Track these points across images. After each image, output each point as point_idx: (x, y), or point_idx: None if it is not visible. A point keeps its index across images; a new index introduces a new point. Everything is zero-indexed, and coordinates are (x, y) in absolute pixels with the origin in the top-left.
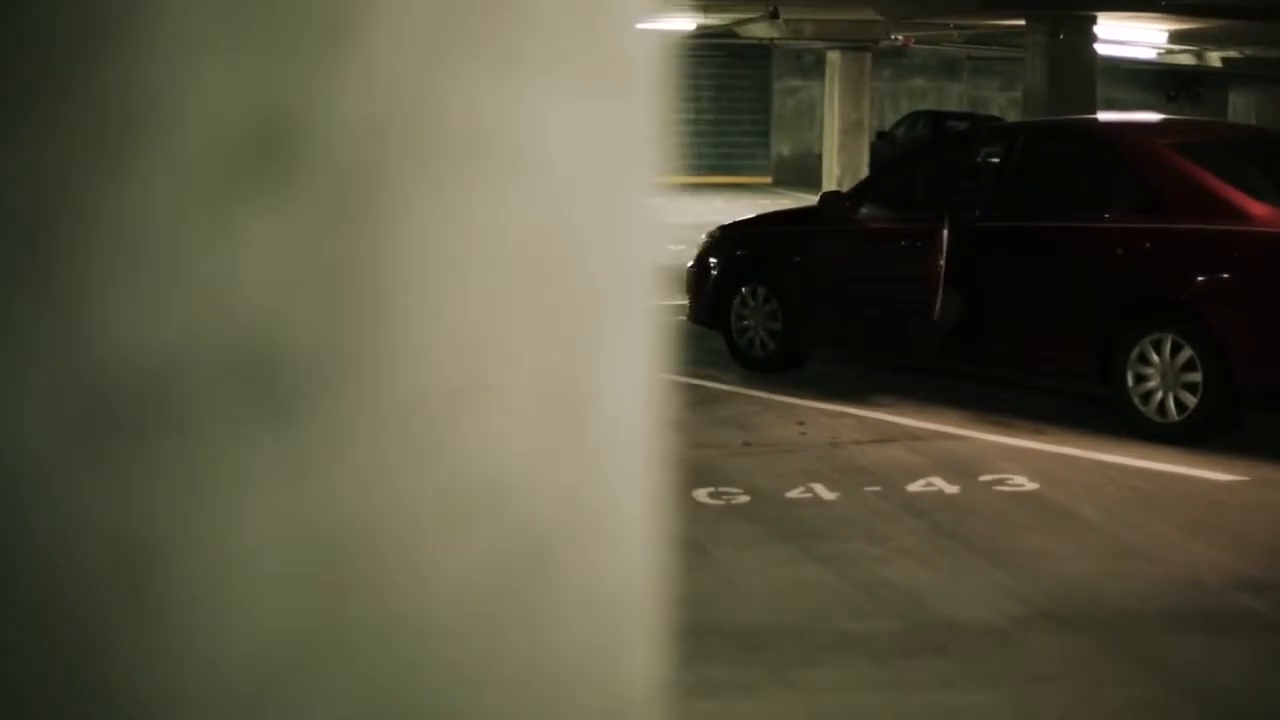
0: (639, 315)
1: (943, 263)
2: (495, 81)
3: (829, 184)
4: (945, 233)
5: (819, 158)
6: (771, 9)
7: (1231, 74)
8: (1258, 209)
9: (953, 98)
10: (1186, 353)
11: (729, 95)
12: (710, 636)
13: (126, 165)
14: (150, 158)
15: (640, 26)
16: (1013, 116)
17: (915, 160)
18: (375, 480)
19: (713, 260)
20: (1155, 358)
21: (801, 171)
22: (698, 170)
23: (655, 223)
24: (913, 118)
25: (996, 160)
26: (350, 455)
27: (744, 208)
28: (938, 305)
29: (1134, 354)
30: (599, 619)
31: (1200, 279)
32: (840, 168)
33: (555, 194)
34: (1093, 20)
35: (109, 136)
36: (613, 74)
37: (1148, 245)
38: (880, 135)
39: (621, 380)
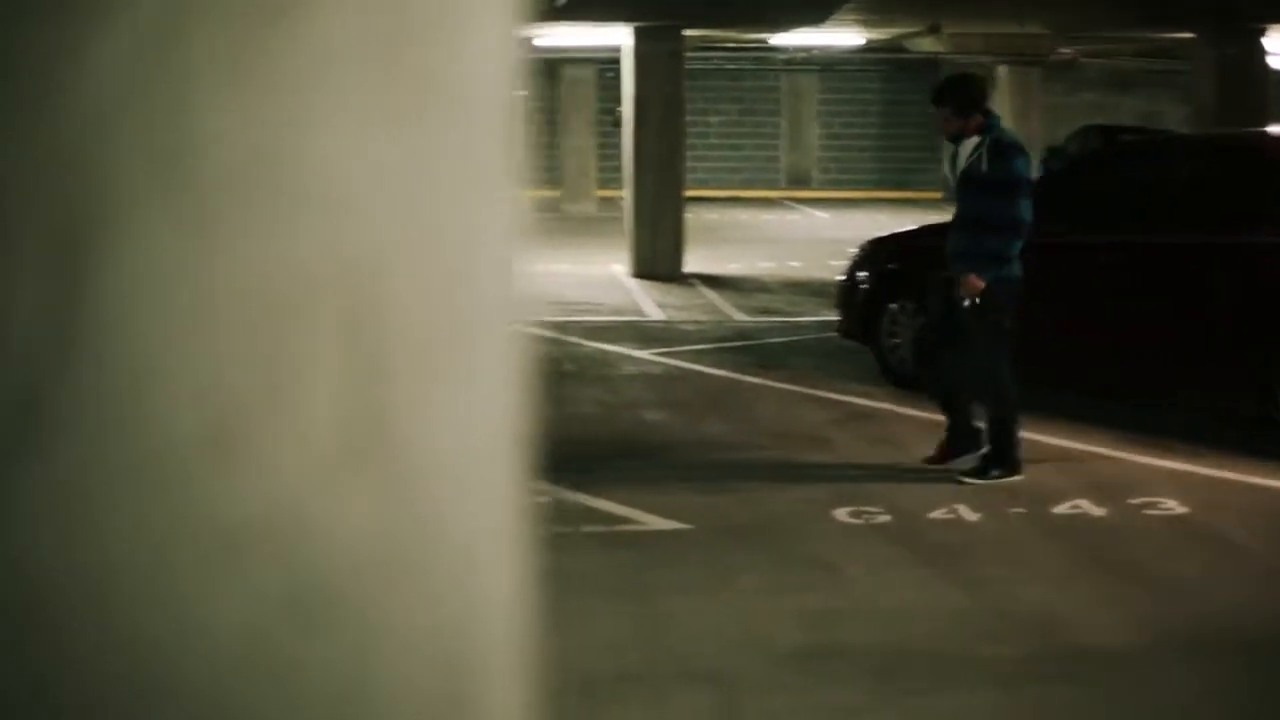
0: (466, 350)
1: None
2: (270, 111)
3: None
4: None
5: None
6: (932, 24)
7: None
8: None
9: (1125, 112)
10: None
11: (897, 110)
12: (836, 659)
13: None
14: None
15: (470, 47)
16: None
17: (1073, 175)
18: (114, 521)
19: (861, 275)
20: None
21: None
22: (865, 185)
23: (502, 253)
24: (1084, 132)
25: (1149, 175)
26: (90, 494)
27: (908, 222)
28: None
29: None
30: (422, 660)
31: None
32: None
33: (352, 226)
34: (1261, 32)
35: None
36: (432, 100)
37: None
38: (1051, 151)
39: (441, 417)
